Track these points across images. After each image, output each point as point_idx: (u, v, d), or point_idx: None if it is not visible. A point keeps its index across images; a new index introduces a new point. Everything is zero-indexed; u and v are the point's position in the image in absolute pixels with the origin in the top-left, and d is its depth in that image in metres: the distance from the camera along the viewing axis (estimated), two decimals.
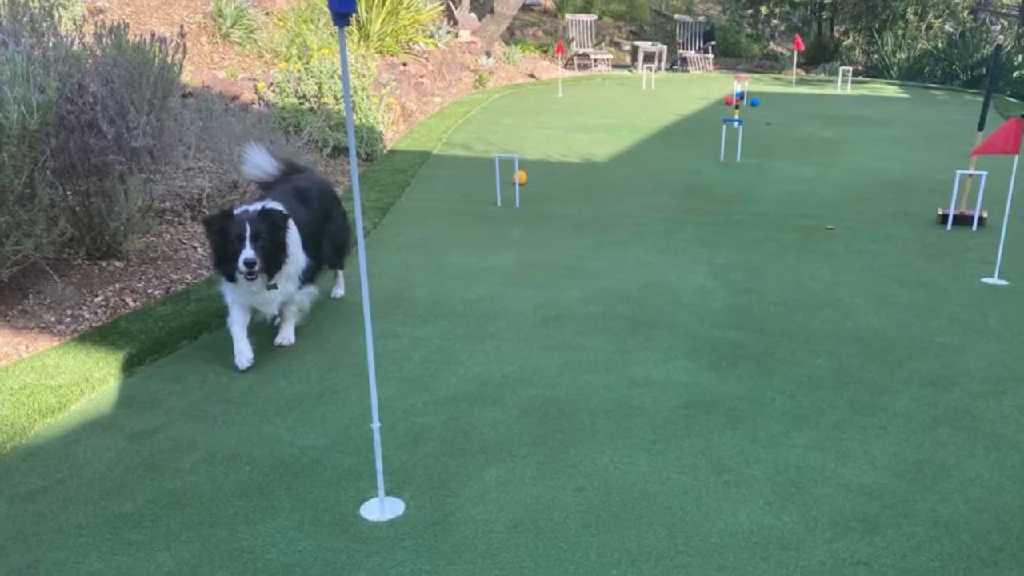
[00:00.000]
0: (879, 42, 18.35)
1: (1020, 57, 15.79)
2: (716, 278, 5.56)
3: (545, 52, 17.90)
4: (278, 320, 4.47)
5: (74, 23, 5.98)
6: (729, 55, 20.24)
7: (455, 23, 15.49)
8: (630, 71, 17.87)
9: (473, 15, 16.43)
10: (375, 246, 6.12)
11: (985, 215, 6.80)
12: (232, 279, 4.04)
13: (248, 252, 3.89)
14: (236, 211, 4.04)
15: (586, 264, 5.81)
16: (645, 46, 18.08)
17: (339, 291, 5.16)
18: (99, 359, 4.12)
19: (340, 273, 5.16)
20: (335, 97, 8.66)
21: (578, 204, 7.41)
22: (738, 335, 4.65)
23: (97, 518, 3.02)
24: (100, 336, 4.36)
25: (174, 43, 5.26)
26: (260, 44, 10.33)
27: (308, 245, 4.36)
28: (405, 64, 11.89)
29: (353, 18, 7.80)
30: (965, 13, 19.07)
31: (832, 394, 3.98)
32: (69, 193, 5.04)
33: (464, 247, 6.16)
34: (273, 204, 4.17)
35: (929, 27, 18.41)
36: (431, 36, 13.33)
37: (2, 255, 4.37)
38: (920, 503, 3.14)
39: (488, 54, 15.48)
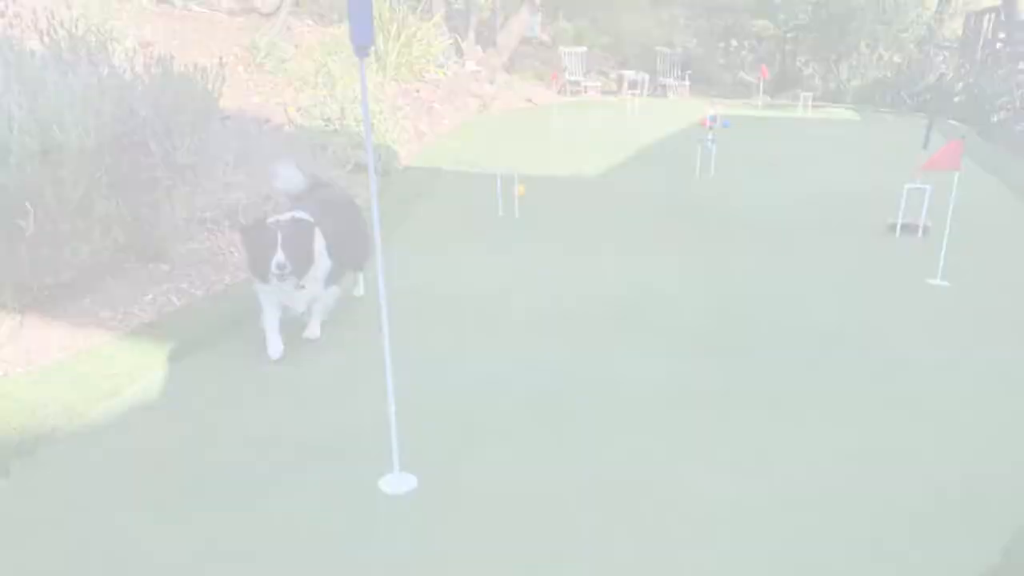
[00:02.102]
0: (836, 71, 18.34)
1: (960, 84, 15.78)
2: (693, 280, 5.55)
3: (542, 80, 17.88)
4: (306, 316, 4.47)
5: (126, 54, 5.97)
6: (704, 83, 20.22)
7: (462, 54, 15.49)
8: (616, 97, 17.85)
9: (478, 47, 16.43)
10: (391, 251, 6.11)
11: (929, 224, 6.79)
12: (265, 280, 4.05)
13: (279, 256, 3.90)
14: (269, 220, 4.05)
15: (578, 267, 5.81)
16: (630, 75, 18.05)
17: (360, 290, 5.15)
18: (148, 350, 4.13)
19: (360, 275, 5.16)
20: (356, 120, 8.65)
21: (571, 214, 7.41)
22: (712, 330, 4.65)
23: (147, 489, 3.02)
24: (149, 330, 4.37)
25: (214, 72, 5.26)
26: (290, 73, 10.32)
27: (332, 250, 4.36)
28: (418, 90, 11.89)
29: (372, 50, 7.80)
30: (911, 46, 19.06)
31: (796, 381, 3.99)
32: (122, 204, 5.04)
33: (470, 252, 6.15)
34: (301, 214, 4.17)
35: (880, 58, 18.38)
36: (441, 66, 13.31)
37: (64, 260, 4.37)
38: (872, 477, 3.14)
39: (491, 82, 15.47)
